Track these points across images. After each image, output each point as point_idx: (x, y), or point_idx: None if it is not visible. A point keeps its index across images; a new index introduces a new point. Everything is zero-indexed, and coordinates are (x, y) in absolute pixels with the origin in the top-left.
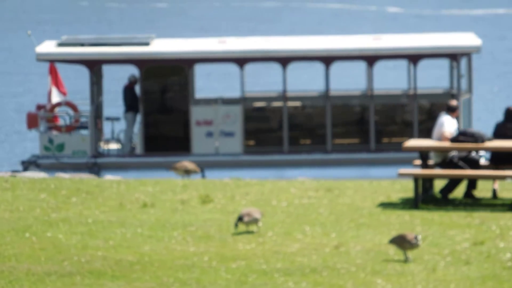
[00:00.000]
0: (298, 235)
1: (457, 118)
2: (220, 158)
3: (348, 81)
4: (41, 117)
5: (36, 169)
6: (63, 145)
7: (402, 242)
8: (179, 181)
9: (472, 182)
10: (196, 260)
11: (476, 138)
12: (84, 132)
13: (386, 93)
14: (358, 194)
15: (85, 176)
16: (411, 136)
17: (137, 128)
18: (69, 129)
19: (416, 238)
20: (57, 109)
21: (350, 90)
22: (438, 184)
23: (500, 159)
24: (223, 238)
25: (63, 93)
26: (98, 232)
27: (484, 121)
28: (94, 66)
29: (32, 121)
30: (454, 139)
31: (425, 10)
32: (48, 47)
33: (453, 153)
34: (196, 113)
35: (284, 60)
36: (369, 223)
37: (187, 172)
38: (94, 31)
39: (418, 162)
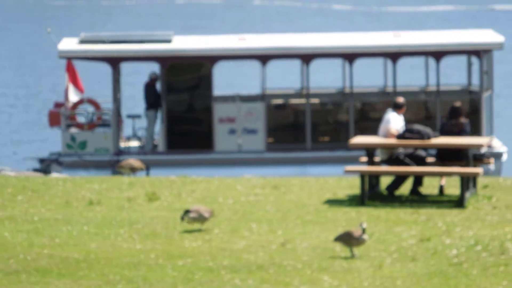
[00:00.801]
0: (245, 232)
1: (403, 114)
2: (243, 155)
3: (363, 78)
4: (63, 115)
5: (58, 167)
6: (85, 142)
7: (348, 239)
8: (125, 179)
9: (418, 179)
10: (143, 258)
11: (422, 135)
12: (105, 129)
13: (405, 89)
14: (304, 191)
15: (31, 174)
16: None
17: (158, 125)
18: (91, 126)
19: (361, 226)
20: (79, 107)
21: (370, 87)
22: (385, 181)
23: (446, 155)
24: (170, 235)
25: (80, 90)
26: (44, 230)
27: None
28: (117, 63)
29: (54, 119)
30: (400, 136)
31: (371, 7)
32: (70, 44)
33: (400, 150)
34: (219, 110)
35: (307, 57)
36: (315, 220)
37: (133, 169)
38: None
39: (364, 159)
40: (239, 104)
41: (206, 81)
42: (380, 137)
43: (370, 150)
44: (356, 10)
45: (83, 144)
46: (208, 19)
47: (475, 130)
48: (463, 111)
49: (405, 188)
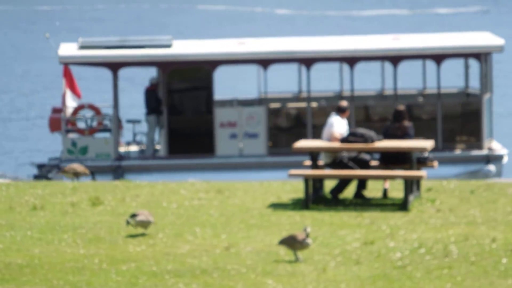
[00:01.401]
0: (189, 236)
1: (348, 118)
2: (244, 159)
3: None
4: (64, 120)
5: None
6: (87, 148)
7: (292, 242)
8: (69, 184)
9: (362, 182)
10: (87, 263)
11: (365, 138)
12: (106, 134)
13: (404, 93)
14: (248, 195)
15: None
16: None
17: (157, 130)
18: (92, 131)
19: (305, 230)
20: (79, 112)
21: (368, 90)
22: (329, 185)
23: (390, 159)
24: (114, 240)
25: (77, 95)
26: None
27: None
28: (118, 68)
29: (55, 125)
30: (344, 140)
31: (313, 11)
32: (70, 49)
33: (343, 154)
34: (220, 115)
35: (308, 61)
36: (259, 224)
37: (76, 174)
38: None
39: (308, 162)
40: (240, 108)
41: (207, 86)
42: (324, 141)
43: (314, 154)
44: (299, 14)
45: (84, 150)
46: (152, 24)
47: (475, 134)
48: (407, 115)
49: (349, 192)
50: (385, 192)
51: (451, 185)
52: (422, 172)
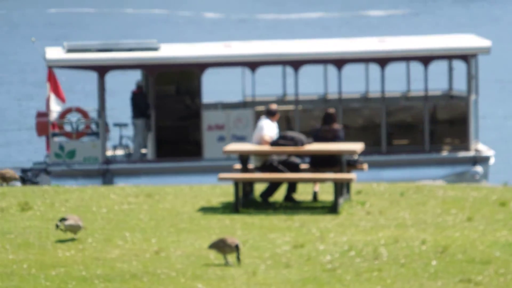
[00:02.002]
0: (119, 241)
1: (277, 121)
2: (232, 162)
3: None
4: (51, 124)
5: (46, 176)
6: (74, 151)
7: (222, 246)
8: None
9: (292, 185)
10: (15, 268)
11: (295, 141)
12: (93, 138)
13: (390, 95)
14: (178, 199)
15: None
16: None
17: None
18: (80, 135)
19: (236, 247)
20: (67, 116)
21: (352, 92)
22: (259, 188)
23: (320, 162)
24: (43, 245)
25: (61, 99)
26: None
27: None
28: (106, 72)
29: (42, 128)
30: (274, 143)
31: (243, 15)
32: (57, 53)
33: (273, 157)
34: (208, 118)
35: (297, 63)
36: (189, 228)
37: (5, 179)
38: None
39: (238, 166)
40: (228, 111)
41: (195, 89)
42: (254, 144)
43: (243, 157)
44: (228, 17)
45: (71, 153)
46: (82, 28)
47: (461, 135)
48: (337, 118)
49: (279, 195)
50: (315, 195)
51: (381, 188)
52: (352, 175)
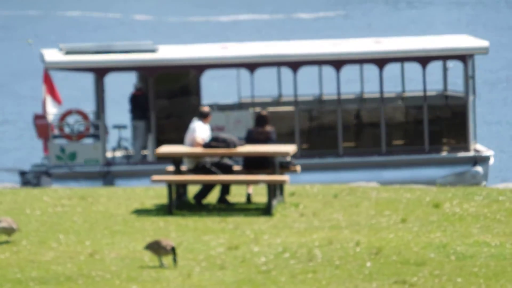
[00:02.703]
0: (53, 243)
1: (209, 124)
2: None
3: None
4: (51, 126)
5: (48, 179)
6: (75, 154)
7: (157, 248)
8: None
9: (226, 187)
10: None
11: (228, 143)
12: (93, 140)
13: (387, 95)
14: (112, 201)
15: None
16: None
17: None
18: (80, 137)
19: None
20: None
21: (347, 93)
22: (192, 190)
23: (253, 163)
24: None
25: (58, 101)
26: None
27: None
28: (105, 74)
29: (43, 131)
30: (206, 145)
31: (171, 17)
32: (55, 55)
33: (206, 159)
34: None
35: (295, 64)
36: (123, 230)
37: None
38: None
39: (171, 168)
40: (228, 112)
41: (194, 90)
42: (187, 146)
43: (176, 159)
44: (160, 20)
45: (72, 155)
46: (12, 30)
47: (460, 136)
48: (270, 120)
49: (213, 197)
50: (248, 197)
51: (314, 190)
52: (285, 177)
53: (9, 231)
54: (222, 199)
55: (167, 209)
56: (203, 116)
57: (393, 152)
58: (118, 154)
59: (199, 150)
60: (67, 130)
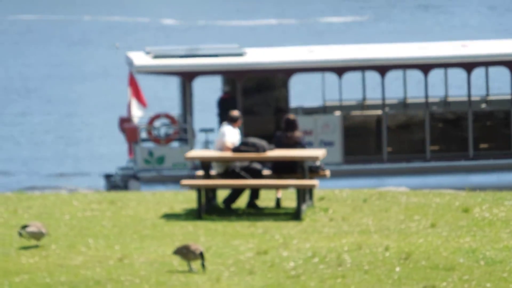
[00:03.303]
0: (82, 248)
1: (239, 127)
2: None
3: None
4: (140, 130)
5: (136, 182)
6: (163, 157)
7: (186, 252)
8: None
9: (255, 192)
10: None
11: (257, 148)
12: (181, 143)
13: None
14: (141, 205)
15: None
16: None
17: None
18: (168, 141)
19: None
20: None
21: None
22: (221, 194)
23: (282, 168)
24: (6, 252)
25: (143, 104)
26: None
27: None
28: (193, 78)
29: (131, 134)
30: (236, 149)
31: (199, 21)
32: (144, 59)
33: (235, 163)
34: None
35: (384, 68)
36: (152, 235)
37: None
38: None
39: (200, 172)
40: (315, 116)
41: (282, 94)
42: (216, 150)
43: (205, 164)
44: (193, 24)
45: (161, 159)
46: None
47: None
48: (298, 124)
49: (242, 201)
50: (278, 201)
51: (343, 194)
52: (315, 181)
53: (38, 235)
54: (251, 203)
55: (196, 213)
56: (233, 120)
57: (480, 156)
58: None
59: (228, 154)
60: (155, 133)
